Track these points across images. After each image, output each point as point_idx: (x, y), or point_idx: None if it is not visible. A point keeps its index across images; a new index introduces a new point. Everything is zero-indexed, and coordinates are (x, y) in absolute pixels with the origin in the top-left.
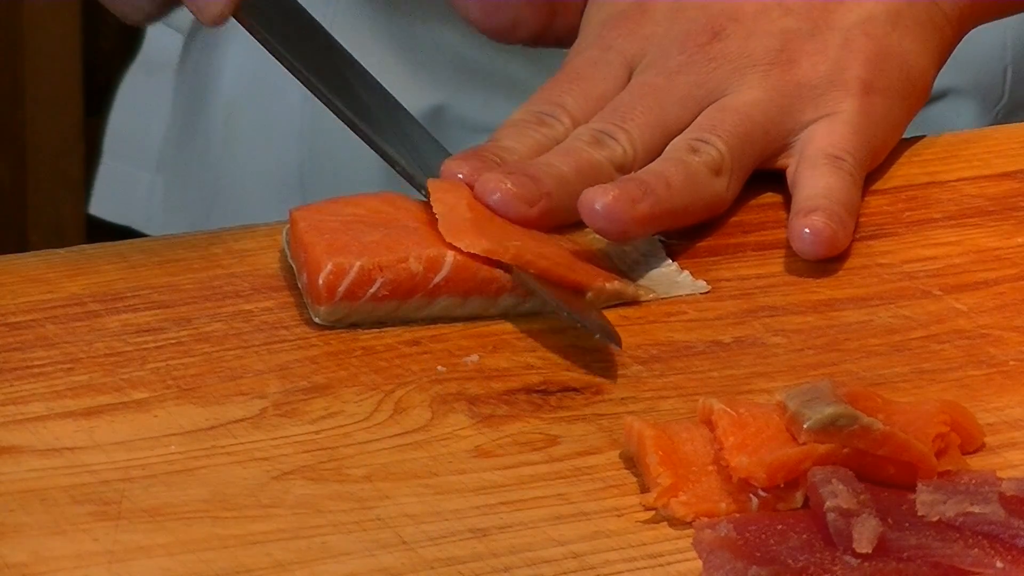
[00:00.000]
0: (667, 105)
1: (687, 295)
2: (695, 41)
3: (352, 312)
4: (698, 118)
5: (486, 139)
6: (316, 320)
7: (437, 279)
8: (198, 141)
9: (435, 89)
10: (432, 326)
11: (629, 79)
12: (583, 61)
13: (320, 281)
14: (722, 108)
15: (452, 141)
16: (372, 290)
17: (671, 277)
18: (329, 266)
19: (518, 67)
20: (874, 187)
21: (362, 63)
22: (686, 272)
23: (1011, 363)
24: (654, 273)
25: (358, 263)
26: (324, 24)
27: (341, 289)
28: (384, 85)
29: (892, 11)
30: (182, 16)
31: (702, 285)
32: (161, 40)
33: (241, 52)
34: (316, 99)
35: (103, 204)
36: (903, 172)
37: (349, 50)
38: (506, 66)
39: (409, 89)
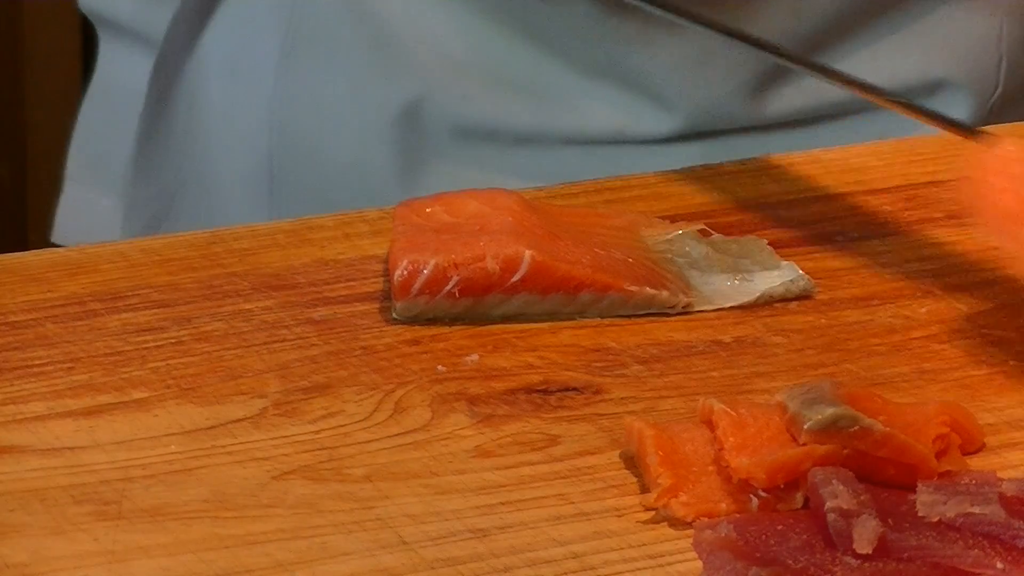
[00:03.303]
0: None
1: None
2: None
3: (428, 308)
4: None
5: (465, 143)
6: (394, 316)
7: (514, 279)
8: (163, 132)
9: (411, 82)
10: (432, 326)
11: None
12: None
13: (396, 278)
14: None
15: (431, 141)
16: (448, 287)
17: (737, 287)
18: (405, 263)
19: (500, 58)
20: (874, 187)
21: (332, 53)
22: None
23: (1011, 363)
24: (718, 283)
25: (433, 261)
26: (287, 5)
27: (417, 286)
28: (355, 77)
29: None
30: (154, 24)
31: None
32: (116, 62)
33: (216, 39)
34: (287, 89)
35: (65, 230)
36: (903, 172)
37: (315, 37)
38: (487, 57)
39: (384, 81)
